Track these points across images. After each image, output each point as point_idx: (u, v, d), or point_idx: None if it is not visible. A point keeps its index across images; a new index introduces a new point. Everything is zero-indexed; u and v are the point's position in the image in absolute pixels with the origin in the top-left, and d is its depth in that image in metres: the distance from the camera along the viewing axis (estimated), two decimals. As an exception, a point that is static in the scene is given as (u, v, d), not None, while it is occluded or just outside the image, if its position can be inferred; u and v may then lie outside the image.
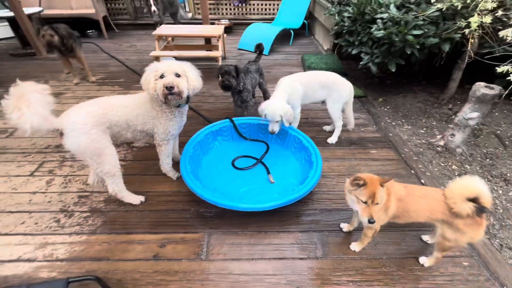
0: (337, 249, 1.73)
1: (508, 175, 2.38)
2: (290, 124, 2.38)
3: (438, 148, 2.64)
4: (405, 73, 4.17)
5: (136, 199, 1.98)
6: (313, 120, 3.10)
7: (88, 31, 5.93)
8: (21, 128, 1.39)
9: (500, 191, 2.24)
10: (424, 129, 3.02)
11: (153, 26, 4.89)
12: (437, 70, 3.99)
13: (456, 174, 2.39)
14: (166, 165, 2.16)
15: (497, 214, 2.06)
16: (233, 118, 2.63)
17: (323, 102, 2.62)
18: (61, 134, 1.59)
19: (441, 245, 1.48)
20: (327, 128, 2.92)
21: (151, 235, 1.79)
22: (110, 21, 6.07)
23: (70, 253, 1.67)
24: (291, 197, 1.80)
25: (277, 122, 2.30)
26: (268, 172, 2.26)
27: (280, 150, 2.56)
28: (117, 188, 1.87)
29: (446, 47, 2.75)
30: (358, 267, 1.63)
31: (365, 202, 1.31)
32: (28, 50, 4.81)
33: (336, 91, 2.50)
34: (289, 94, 2.40)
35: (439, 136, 2.73)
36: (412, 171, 2.36)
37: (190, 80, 1.81)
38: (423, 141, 2.80)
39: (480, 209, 1.26)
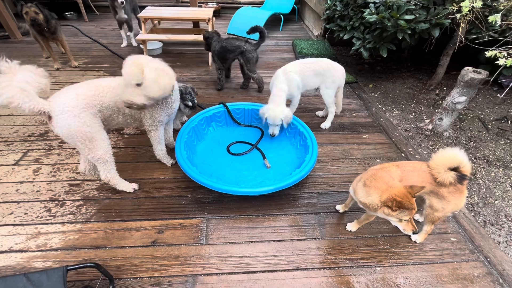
0: (334, 229, 1.78)
1: (490, 157, 2.50)
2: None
3: (427, 132, 2.73)
4: (394, 59, 4.23)
5: (129, 186, 1.93)
6: (306, 106, 3.10)
7: (66, 13, 5.56)
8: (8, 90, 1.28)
9: (483, 172, 2.36)
10: (413, 114, 3.11)
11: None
12: (426, 56, 4.08)
13: (443, 156, 2.49)
14: (159, 151, 2.10)
15: (480, 193, 2.18)
16: (227, 104, 2.59)
17: (317, 89, 2.62)
18: (49, 117, 1.51)
19: (430, 217, 1.55)
20: (319, 113, 2.93)
21: (149, 222, 1.77)
22: (90, 3, 5.71)
23: (65, 242, 1.63)
24: (288, 181, 1.82)
25: (277, 125, 2.30)
26: (264, 157, 2.27)
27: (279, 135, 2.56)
28: (110, 175, 1.81)
29: (436, 33, 2.79)
30: (354, 245, 1.69)
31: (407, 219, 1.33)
32: (1, 33, 4.47)
33: (330, 77, 2.50)
34: (287, 88, 2.39)
35: (427, 121, 2.82)
36: (403, 154, 2.44)
37: (147, 90, 1.57)
38: (412, 125, 2.89)
39: (461, 177, 1.34)
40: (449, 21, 2.69)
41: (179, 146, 2.04)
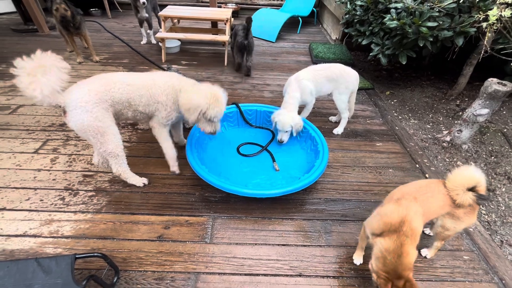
0: (340, 238, 1.74)
1: (512, 173, 2.38)
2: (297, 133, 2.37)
3: (444, 144, 2.63)
4: (414, 66, 4.12)
5: (139, 180, 1.97)
6: (319, 111, 3.07)
7: (91, 9, 5.78)
8: (28, 94, 1.38)
9: (504, 189, 2.25)
10: (431, 124, 3.00)
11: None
12: (447, 65, 3.94)
13: (461, 170, 2.39)
14: (167, 149, 2.01)
15: (499, 211, 2.08)
16: (240, 104, 2.60)
17: (330, 94, 2.58)
18: (64, 112, 1.57)
19: (441, 235, 1.49)
20: (333, 118, 2.89)
21: (156, 217, 1.80)
22: (114, 0, 5.90)
23: (75, 231, 1.68)
24: (297, 185, 1.81)
25: (286, 132, 2.29)
26: (274, 160, 2.25)
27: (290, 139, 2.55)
28: (121, 168, 1.86)
29: (460, 41, 2.69)
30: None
31: None
32: (30, 26, 4.70)
33: (343, 83, 2.46)
34: (300, 97, 2.37)
35: (445, 132, 2.72)
36: (417, 165, 2.36)
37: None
38: (429, 136, 2.79)
39: (480, 197, 1.28)
40: (475, 29, 2.58)
41: (190, 144, 2.07)
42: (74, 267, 1.25)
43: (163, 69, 3.62)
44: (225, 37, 3.77)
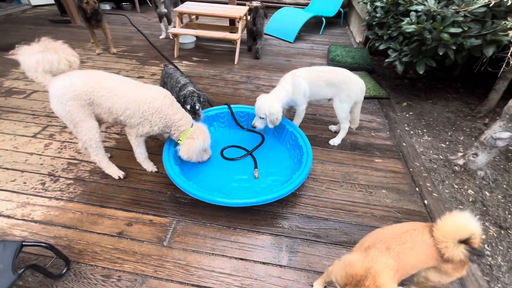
0: (305, 260, 1.60)
1: (537, 211, 2.01)
2: (273, 126, 2.20)
3: (456, 168, 2.30)
4: (441, 77, 3.70)
5: (116, 172, 2.00)
6: (321, 118, 2.88)
7: (123, 3, 6.07)
8: (24, 62, 1.54)
9: (521, 229, 1.90)
10: (447, 143, 2.66)
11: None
12: (482, 78, 3.47)
13: (470, 200, 2.08)
14: (139, 155, 2.03)
15: (508, 254, 1.76)
16: (232, 106, 2.52)
17: (330, 100, 2.39)
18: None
19: (422, 285, 1.28)
20: (333, 128, 2.69)
21: (122, 212, 1.80)
22: (144, -5, 6.15)
23: (45, 216, 1.75)
24: (263, 197, 1.69)
25: (261, 118, 2.16)
26: (256, 167, 2.15)
27: (276, 144, 2.42)
28: (97, 158, 1.89)
29: (490, 51, 2.33)
30: (322, 284, 1.49)
31: None
32: (64, 17, 5.07)
33: (345, 90, 2.25)
34: (291, 92, 2.23)
35: (460, 154, 2.38)
36: (417, 189, 2.10)
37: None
38: (441, 156, 2.47)
39: (474, 253, 1.04)
40: (509, 38, 2.21)
41: (169, 141, 2.05)
42: (18, 254, 1.28)
43: (174, 65, 3.67)
44: (236, 35, 3.71)
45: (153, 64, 3.73)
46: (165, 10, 4.26)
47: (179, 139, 1.93)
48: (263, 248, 1.65)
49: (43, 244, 1.35)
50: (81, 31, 4.71)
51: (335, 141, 2.50)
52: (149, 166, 2.10)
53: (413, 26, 2.51)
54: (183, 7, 3.91)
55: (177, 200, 1.90)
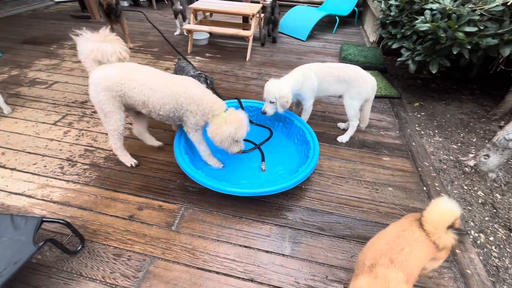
0: (307, 251, 1.63)
1: (550, 215, 1.96)
2: (283, 110, 2.22)
3: (466, 169, 2.27)
4: (456, 78, 3.62)
5: (129, 160, 2.08)
6: (330, 115, 2.89)
7: (140, 0, 6.24)
8: (80, 46, 1.71)
9: (532, 232, 1.86)
10: (459, 144, 2.61)
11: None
12: (498, 79, 3.38)
13: (480, 202, 2.05)
14: (201, 152, 2.03)
15: (516, 257, 1.73)
16: (242, 100, 2.57)
17: (340, 96, 2.40)
18: None
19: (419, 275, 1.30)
20: (341, 125, 2.70)
21: (134, 197, 1.89)
22: (161, -8, 6.30)
23: (63, 197, 1.86)
24: (269, 188, 1.73)
25: (271, 103, 2.18)
26: (263, 160, 2.19)
27: (284, 139, 2.46)
28: (115, 145, 1.97)
29: (507, 51, 2.28)
30: (323, 273, 1.52)
31: None
32: (85, 13, 5.27)
33: (355, 87, 2.26)
34: (300, 82, 2.25)
35: (471, 155, 2.34)
36: (424, 188, 2.08)
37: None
38: (451, 157, 2.43)
39: (461, 233, 1.08)
40: (527, 38, 2.16)
41: (180, 132, 2.12)
42: (38, 229, 1.38)
43: (187, 60, 3.76)
44: (248, 32, 3.76)
45: (167, 59, 3.83)
46: (181, 7, 4.37)
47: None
48: (267, 238, 1.69)
49: (61, 221, 1.44)
50: (100, 26, 4.83)
51: (343, 138, 2.51)
52: (215, 163, 2.09)
53: (427, 24, 2.48)
54: (197, 4, 4.00)
55: (185, 188, 1.97)
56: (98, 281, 1.44)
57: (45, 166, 2.08)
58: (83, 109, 2.73)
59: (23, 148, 2.22)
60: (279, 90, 2.10)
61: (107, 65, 1.75)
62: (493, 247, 1.77)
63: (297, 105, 2.63)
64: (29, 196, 1.85)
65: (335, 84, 2.30)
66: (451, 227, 1.09)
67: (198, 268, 1.52)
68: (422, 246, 1.11)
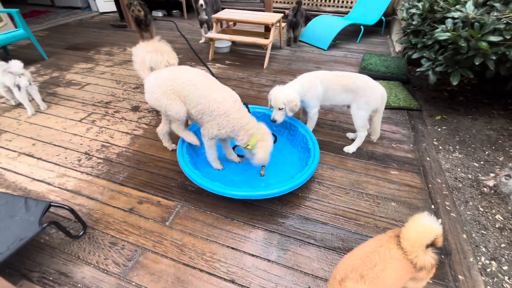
0: (293, 259, 1.60)
1: None
2: (292, 114, 2.24)
3: (485, 189, 2.07)
4: (489, 92, 3.33)
5: (193, 139, 2.11)
6: (341, 125, 2.82)
7: (173, 11, 6.68)
8: (136, 56, 1.97)
9: (557, 266, 1.64)
10: (481, 162, 2.40)
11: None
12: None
13: (497, 226, 1.85)
14: (208, 155, 2.10)
15: (534, 292, 1.53)
16: (250, 106, 2.63)
17: (348, 106, 2.35)
18: None
19: None
20: (350, 135, 2.62)
21: (136, 191, 2.01)
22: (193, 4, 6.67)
23: (75, 187, 2.04)
24: (255, 192, 1.76)
25: (280, 110, 2.19)
26: (263, 165, 2.21)
27: (288, 146, 2.46)
28: (176, 129, 2.09)
29: (538, 63, 2.07)
30: (305, 283, 1.48)
31: None
32: (122, 23, 5.78)
33: (363, 97, 2.20)
34: (305, 89, 2.25)
35: (492, 174, 2.13)
36: (433, 206, 1.94)
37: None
38: (469, 175, 2.24)
39: (442, 253, 1.01)
40: None
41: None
42: (45, 211, 1.54)
43: (206, 66, 3.94)
44: (266, 41, 3.84)
45: (188, 65, 4.04)
46: (206, 17, 4.60)
47: (247, 145, 1.90)
48: (255, 242, 1.70)
49: (66, 207, 1.59)
50: (134, 34, 5.31)
51: (350, 149, 2.43)
52: (218, 165, 2.17)
53: (447, 33, 2.35)
54: (220, 14, 4.20)
55: (185, 187, 2.06)
56: (92, 265, 1.56)
57: (66, 158, 2.31)
58: (106, 109, 2.98)
59: (50, 141, 2.49)
60: (286, 95, 2.13)
61: (159, 70, 1.96)
62: (506, 277, 1.59)
63: (304, 113, 2.62)
64: (48, 183, 2.06)
65: (341, 93, 2.26)
66: (431, 245, 1.02)
67: (183, 264, 1.57)
68: (398, 265, 1.04)
